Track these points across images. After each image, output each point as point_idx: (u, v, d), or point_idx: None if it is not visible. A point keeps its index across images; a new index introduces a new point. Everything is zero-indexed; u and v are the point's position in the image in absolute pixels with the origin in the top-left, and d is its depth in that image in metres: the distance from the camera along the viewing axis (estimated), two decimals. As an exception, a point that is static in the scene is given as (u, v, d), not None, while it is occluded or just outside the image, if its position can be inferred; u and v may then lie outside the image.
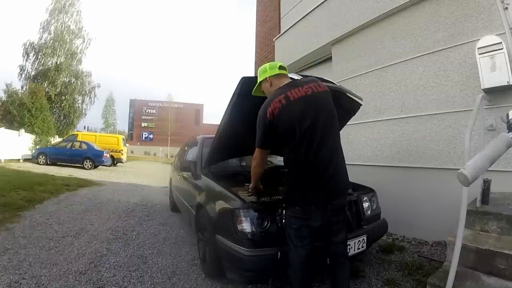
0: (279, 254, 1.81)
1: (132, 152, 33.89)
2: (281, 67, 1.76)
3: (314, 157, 1.54)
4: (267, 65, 1.79)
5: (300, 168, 1.58)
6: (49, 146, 14.19)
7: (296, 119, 1.56)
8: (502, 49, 2.54)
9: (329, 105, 1.66)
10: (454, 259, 1.73)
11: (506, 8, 2.70)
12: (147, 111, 47.94)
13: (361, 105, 2.81)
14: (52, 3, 21.68)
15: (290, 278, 1.66)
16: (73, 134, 15.98)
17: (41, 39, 21.24)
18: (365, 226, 2.33)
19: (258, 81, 1.81)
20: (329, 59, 5.22)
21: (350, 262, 1.83)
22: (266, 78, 1.76)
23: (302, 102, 1.59)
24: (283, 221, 1.80)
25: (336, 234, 1.70)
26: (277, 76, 1.74)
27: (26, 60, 21.01)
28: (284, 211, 1.73)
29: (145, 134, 47.06)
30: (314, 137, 1.55)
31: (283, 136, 1.59)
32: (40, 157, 12.61)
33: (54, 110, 20.68)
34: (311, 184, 1.56)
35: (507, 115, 1.70)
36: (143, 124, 47.40)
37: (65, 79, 21.65)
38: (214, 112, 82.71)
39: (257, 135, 1.67)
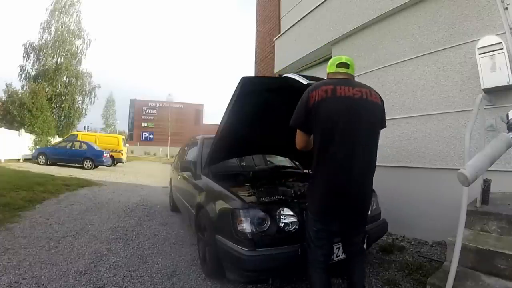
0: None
1: (132, 152, 33.88)
2: (340, 64, 1.68)
3: (345, 162, 1.47)
4: (332, 59, 1.74)
5: (327, 170, 1.51)
6: (49, 146, 14.19)
7: (336, 116, 1.48)
8: (502, 49, 2.53)
9: (374, 116, 1.58)
10: (454, 259, 1.73)
11: (506, 8, 2.70)
12: (147, 111, 47.92)
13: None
14: (52, 4, 21.68)
15: (311, 277, 1.66)
16: (73, 134, 15.98)
17: (41, 39, 21.26)
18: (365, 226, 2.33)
19: (327, 71, 1.78)
20: (329, 59, 5.17)
21: (365, 256, 1.86)
22: (328, 73, 1.74)
23: (346, 101, 1.51)
24: (305, 219, 1.77)
25: (356, 235, 1.72)
26: (333, 74, 1.71)
27: (27, 60, 21.02)
28: (306, 210, 1.72)
29: (145, 134, 47.03)
30: (351, 142, 1.48)
31: (319, 128, 1.52)
32: (40, 157, 12.60)
33: (54, 110, 20.67)
34: (335, 190, 1.51)
35: (507, 115, 1.71)
36: (143, 124, 47.38)
37: (65, 79, 21.65)
38: (214, 112, 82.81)
39: (293, 114, 1.62)
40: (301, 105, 1.57)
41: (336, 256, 2.03)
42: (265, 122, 2.60)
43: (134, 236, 3.42)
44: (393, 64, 3.81)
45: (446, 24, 3.20)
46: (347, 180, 1.49)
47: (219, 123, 2.42)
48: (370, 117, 1.56)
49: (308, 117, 1.54)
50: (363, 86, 1.63)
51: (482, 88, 2.67)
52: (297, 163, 3.84)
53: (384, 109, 1.67)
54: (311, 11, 5.48)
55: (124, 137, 19.93)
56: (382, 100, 1.66)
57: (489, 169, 1.57)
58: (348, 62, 1.69)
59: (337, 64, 1.69)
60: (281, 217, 1.98)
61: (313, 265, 1.64)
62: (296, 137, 1.69)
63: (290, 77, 2.13)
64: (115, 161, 15.05)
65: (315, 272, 1.63)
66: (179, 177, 4.00)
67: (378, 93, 1.65)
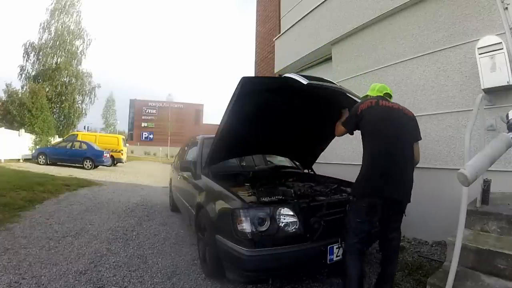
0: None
1: (132, 152, 33.86)
2: (386, 94, 2.20)
3: (387, 159, 1.83)
4: (378, 86, 2.26)
5: (373, 159, 1.89)
6: (49, 146, 14.18)
7: (380, 122, 1.92)
8: (502, 49, 2.54)
9: (407, 124, 2.00)
10: (454, 259, 1.73)
11: (506, 8, 2.70)
12: (147, 111, 47.88)
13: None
14: (52, 4, 21.66)
15: (347, 262, 1.86)
16: (73, 134, 15.96)
17: (41, 39, 21.23)
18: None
19: (368, 93, 2.29)
20: (329, 59, 5.21)
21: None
22: (370, 95, 2.21)
23: (387, 111, 1.98)
24: (348, 212, 1.98)
25: (392, 231, 1.99)
26: (376, 97, 2.15)
27: (27, 60, 20.97)
28: (350, 203, 1.98)
29: (145, 134, 47.00)
30: (390, 138, 1.87)
31: (366, 129, 1.97)
32: (40, 157, 12.59)
33: (54, 110, 20.66)
34: (378, 180, 1.83)
35: (507, 115, 1.71)
36: (143, 124, 47.33)
37: (65, 79, 21.63)
38: (214, 112, 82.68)
39: (345, 119, 2.18)
40: (352, 113, 2.09)
41: (336, 256, 2.04)
42: (265, 122, 2.60)
43: (134, 236, 3.42)
44: (393, 64, 3.81)
45: (446, 24, 3.20)
46: (388, 166, 1.83)
47: (219, 123, 2.42)
48: (404, 124, 1.99)
49: (355, 121, 2.05)
50: (399, 104, 2.10)
51: (482, 88, 2.67)
52: (297, 163, 3.85)
53: (417, 123, 2.10)
54: (311, 11, 5.48)
55: (124, 137, 19.89)
56: (414, 117, 2.10)
57: (489, 169, 1.57)
58: (391, 94, 2.25)
59: (385, 93, 2.20)
60: (281, 217, 1.98)
61: (350, 252, 1.87)
62: (338, 128, 2.25)
63: (290, 77, 2.13)
64: (115, 161, 15.04)
65: (351, 259, 1.86)
66: (179, 177, 4.00)
67: (411, 111, 2.11)
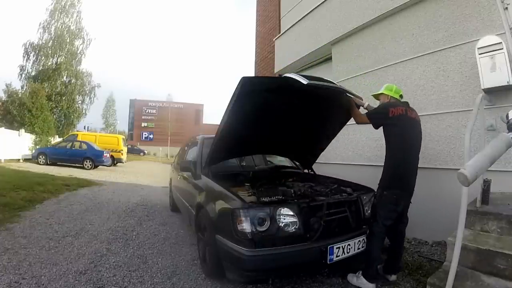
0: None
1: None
2: (400, 96, 2.44)
3: (408, 162, 2.21)
4: (395, 87, 2.44)
5: (398, 163, 2.20)
6: (49, 146, 14.17)
7: (406, 130, 2.21)
8: (502, 49, 2.53)
9: (421, 134, 2.37)
10: (454, 259, 1.73)
11: (506, 8, 2.70)
12: (147, 111, 47.93)
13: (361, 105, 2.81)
14: (52, 4, 21.65)
15: (372, 245, 2.17)
16: (73, 134, 15.96)
17: (41, 39, 21.23)
18: (365, 227, 2.33)
19: (382, 91, 2.47)
20: (329, 59, 5.21)
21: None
22: (389, 95, 2.41)
23: (412, 121, 2.26)
24: (377, 204, 2.27)
25: (405, 215, 2.33)
26: (393, 97, 2.41)
27: (26, 60, 20.96)
28: (378, 196, 2.25)
29: (145, 134, 47.05)
30: (411, 145, 2.23)
31: (395, 135, 2.21)
32: (40, 157, 12.59)
33: (54, 110, 20.66)
34: (402, 176, 2.18)
35: (507, 115, 1.71)
36: (143, 124, 47.39)
37: (65, 79, 21.64)
38: (214, 112, 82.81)
39: (374, 111, 2.40)
40: (382, 113, 2.29)
41: (336, 256, 2.04)
42: (265, 122, 2.60)
43: (134, 236, 3.42)
44: (393, 64, 3.81)
45: (446, 24, 3.20)
46: (408, 167, 2.21)
47: (219, 123, 2.42)
48: (419, 132, 2.35)
49: (383, 122, 2.28)
50: (416, 112, 2.38)
51: (482, 88, 2.67)
52: (297, 163, 3.84)
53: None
54: (311, 11, 5.48)
55: (124, 137, 19.89)
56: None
57: (489, 169, 1.57)
58: (402, 95, 2.48)
59: (400, 95, 2.44)
60: (281, 217, 1.98)
61: (377, 236, 2.16)
62: (361, 118, 2.47)
63: (290, 77, 2.14)
64: (115, 161, 15.04)
65: (376, 244, 2.17)
66: (179, 177, 4.00)
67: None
